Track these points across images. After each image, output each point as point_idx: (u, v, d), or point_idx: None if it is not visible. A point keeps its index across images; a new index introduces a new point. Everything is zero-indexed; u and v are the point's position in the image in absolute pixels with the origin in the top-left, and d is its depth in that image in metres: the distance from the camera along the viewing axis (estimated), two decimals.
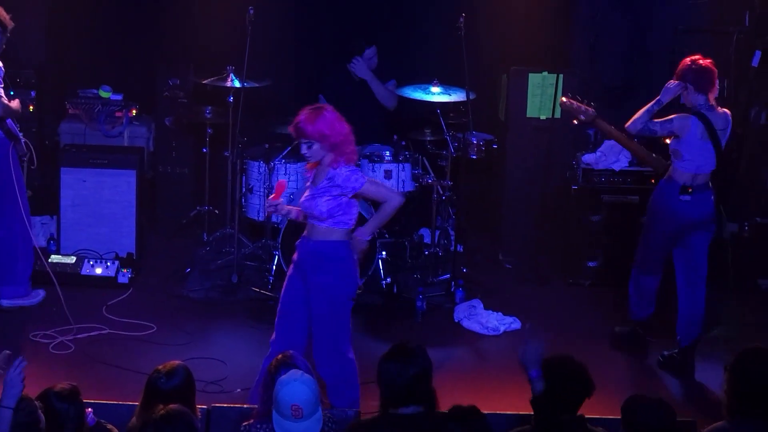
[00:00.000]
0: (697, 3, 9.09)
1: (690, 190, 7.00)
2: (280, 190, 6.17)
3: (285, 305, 6.17)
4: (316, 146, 5.86)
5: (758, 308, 8.22)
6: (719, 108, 7.08)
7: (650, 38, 9.04)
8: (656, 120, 7.02)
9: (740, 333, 7.60)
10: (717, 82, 7.03)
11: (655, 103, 7.02)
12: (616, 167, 8.52)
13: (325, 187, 5.91)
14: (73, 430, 4.55)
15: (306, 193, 6.03)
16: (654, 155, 7.38)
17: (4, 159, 7.45)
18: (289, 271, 6.19)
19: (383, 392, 4.79)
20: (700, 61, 7.02)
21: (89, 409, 4.83)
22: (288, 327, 6.15)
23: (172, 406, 4.39)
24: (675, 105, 7.15)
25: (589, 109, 7.29)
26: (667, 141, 7.16)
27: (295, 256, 6.16)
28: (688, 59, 7.07)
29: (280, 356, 5.06)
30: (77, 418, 4.59)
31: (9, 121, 7.47)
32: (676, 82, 7.03)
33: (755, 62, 8.75)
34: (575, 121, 7.49)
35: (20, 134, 7.58)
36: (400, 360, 4.78)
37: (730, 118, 7.11)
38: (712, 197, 7.14)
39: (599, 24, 9.05)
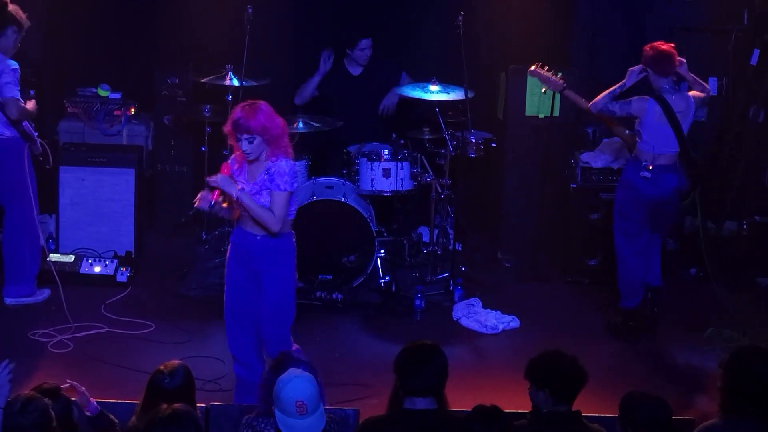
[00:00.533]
0: (696, 1, 9.09)
1: (650, 167, 7.33)
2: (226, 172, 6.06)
3: (237, 306, 6.14)
4: (257, 140, 5.85)
5: (757, 306, 8.22)
6: (685, 91, 7.45)
7: (649, 37, 8.98)
8: (616, 101, 7.36)
9: (738, 331, 7.59)
10: (676, 63, 7.32)
11: (618, 87, 7.38)
12: (615, 166, 8.51)
13: (265, 182, 5.92)
14: (61, 428, 4.54)
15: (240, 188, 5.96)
16: (627, 131, 7.67)
17: (19, 159, 7.50)
18: (230, 269, 6.13)
19: (400, 383, 4.78)
20: (659, 47, 7.31)
21: (93, 400, 4.85)
22: (244, 327, 6.15)
23: (177, 405, 4.40)
24: (642, 87, 7.52)
25: (558, 80, 7.76)
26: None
27: (232, 252, 6.10)
28: (647, 46, 7.38)
29: (279, 355, 5.05)
30: (63, 417, 4.60)
31: (25, 122, 7.51)
32: (639, 66, 7.35)
33: (754, 60, 8.76)
34: (543, 90, 8.03)
35: (35, 134, 7.61)
36: (423, 351, 4.84)
37: (693, 101, 7.40)
38: (676, 179, 7.42)
39: (598, 22, 9.06)
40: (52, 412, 4.39)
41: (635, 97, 7.37)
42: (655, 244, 7.68)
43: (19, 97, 7.39)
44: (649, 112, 7.29)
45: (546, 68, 7.82)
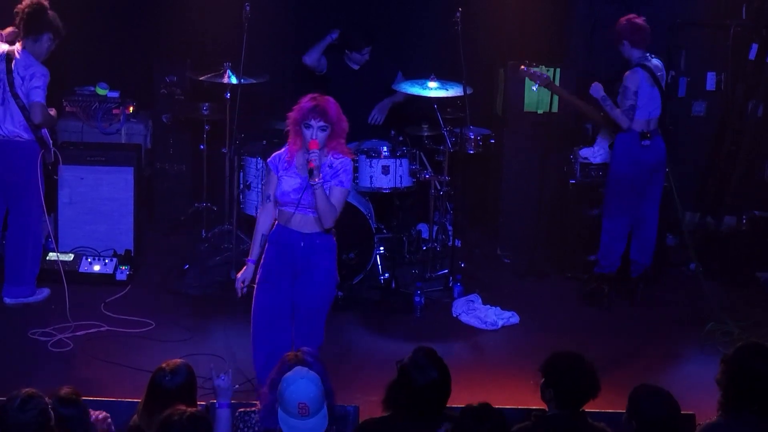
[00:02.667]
0: None
1: (648, 136, 7.74)
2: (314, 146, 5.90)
3: (275, 306, 6.04)
4: (328, 130, 5.82)
5: (756, 301, 8.22)
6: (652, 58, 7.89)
7: None
8: (625, 100, 7.69)
9: (738, 326, 7.59)
10: (649, 38, 7.81)
11: (605, 102, 7.74)
12: None
13: (327, 176, 5.85)
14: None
15: (290, 182, 5.90)
16: (602, 113, 7.93)
17: (32, 163, 7.51)
18: (270, 269, 6.00)
19: (404, 392, 4.77)
20: (635, 20, 7.81)
21: (108, 417, 4.85)
22: (274, 328, 6.07)
23: (192, 409, 4.41)
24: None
25: (543, 74, 8.13)
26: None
27: (274, 251, 5.99)
28: (623, 19, 7.78)
29: (296, 353, 5.03)
30: (79, 423, 4.60)
31: (44, 129, 7.54)
32: (596, 83, 7.79)
33: (752, 55, 8.76)
34: (534, 88, 8.28)
35: (50, 142, 7.62)
36: (427, 360, 4.77)
37: (662, 64, 7.94)
38: (663, 140, 7.93)
39: (596, 17, 9.05)
40: (52, 412, 4.38)
41: (624, 78, 7.73)
42: (650, 230, 8.04)
43: (44, 103, 7.42)
44: (642, 80, 7.71)
45: (531, 65, 8.16)
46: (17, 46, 7.53)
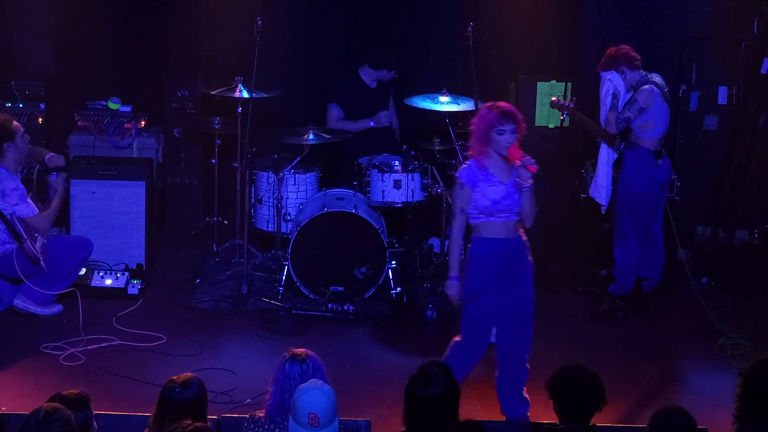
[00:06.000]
0: (706, 11, 9.07)
1: (661, 154, 7.71)
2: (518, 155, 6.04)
3: (487, 321, 6.25)
4: (516, 133, 6.00)
5: None
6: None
7: (658, 46, 9.03)
8: (626, 110, 7.61)
9: (750, 340, 7.57)
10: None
11: (608, 99, 7.68)
12: None
13: (515, 182, 6.01)
14: None
15: (496, 191, 6.02)
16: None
17: (9, 264, 7.53)
18: (482, 282, 6.08)
19: (409, 401, 4.77)
20: (620, 48, 7.69)
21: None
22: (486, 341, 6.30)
23: (198, 424, 4.40)
24: None
25: (571, 104, 7.95)
26: None
27: (489, 266, 6.07)
28: (609, 51, 7.72)
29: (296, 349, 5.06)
30: (82, 427, 4.59)
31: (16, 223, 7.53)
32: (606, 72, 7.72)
33: (764, 69, 8.74)
34: (561, 117, 8.33)
35: (24, 233, 7.55)
36: (430, 374, 4.76)
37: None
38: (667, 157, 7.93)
39: (607, 31, 9.04)
40: (74, 423, 4.38)
41: (636, 93, 7.65)
42: (657, 246, 8.01)
43: (36, 212, 7.54)
44: (656, 96, 7.61)
45: (561, 97, 8.07)
46: None
